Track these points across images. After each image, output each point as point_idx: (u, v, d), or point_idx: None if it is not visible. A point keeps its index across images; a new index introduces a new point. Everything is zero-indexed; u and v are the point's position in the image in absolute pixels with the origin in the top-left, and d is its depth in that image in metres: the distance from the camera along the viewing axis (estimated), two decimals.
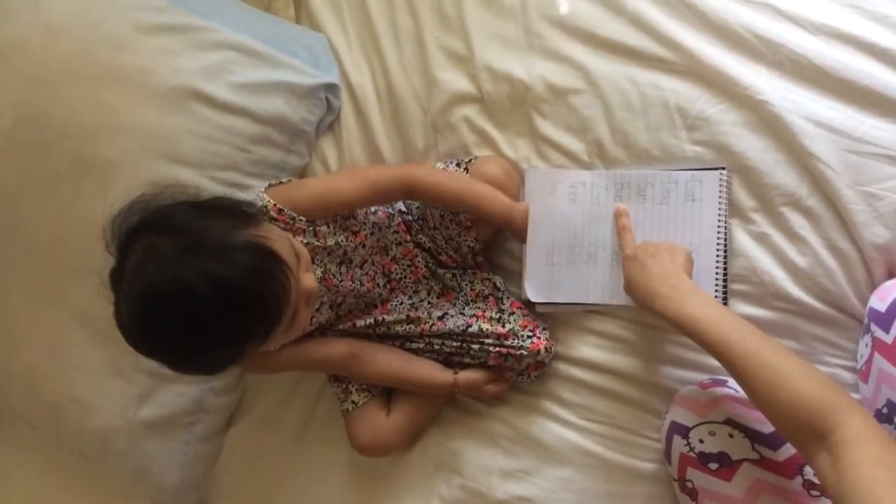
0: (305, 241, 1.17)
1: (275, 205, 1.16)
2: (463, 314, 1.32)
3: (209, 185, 1.27)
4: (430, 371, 1.32)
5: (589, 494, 1.30)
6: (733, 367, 1.01)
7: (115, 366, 1.33)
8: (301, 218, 1.17)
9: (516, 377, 1.33)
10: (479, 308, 1.33)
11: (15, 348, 1.35)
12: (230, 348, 1.00)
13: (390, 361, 1.31)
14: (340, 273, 1.24)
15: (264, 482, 1.44)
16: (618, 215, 1.28)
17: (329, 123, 1.43)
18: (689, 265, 1.19)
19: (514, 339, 1.29)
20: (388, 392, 1.36)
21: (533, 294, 1.32)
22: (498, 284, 1.34)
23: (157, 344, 0.99)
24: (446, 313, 1.32)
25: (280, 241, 1.05)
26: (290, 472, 1.43)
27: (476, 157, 1.34)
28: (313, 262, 1.18)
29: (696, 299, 1.09)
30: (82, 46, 1.27)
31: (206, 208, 1.04)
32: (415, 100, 1.39)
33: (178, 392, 1.36)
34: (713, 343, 1.04)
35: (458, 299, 1.35)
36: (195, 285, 0.93)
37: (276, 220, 1.15)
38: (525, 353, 1.28)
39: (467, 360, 1.31)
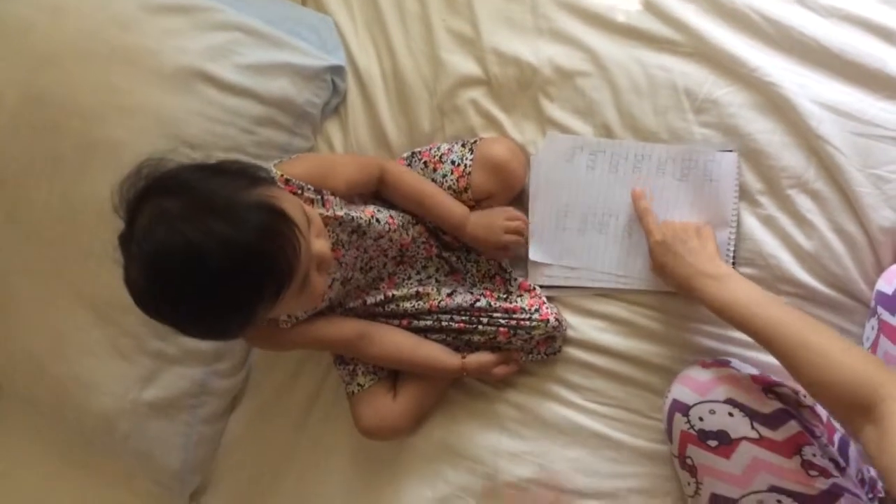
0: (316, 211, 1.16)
1: (282, 175, 1.15)
2: (471, 292, 1.32)
3: None
4: (438, 354, 1.31)
5: (595, 475, 1.30)
6: (776, 350, 1.04)
7: (118, 348, 1.32)
8: (309, 187, 1.16)
9: (525, 356, 1.33)
10: (486, 287, 1.33)
11: (18, 330, 1.34)
12: (240, 309, 0.99)
13: (399, 343, 1.30)
14: (350, 242, 1.23)
15: (267, 465, 1.44)
16: (636, 199, 1.29)
17: (335, 106, 1.43)
18: (716, 245, 1.21)
19: (522, 314, 1.29)
20: (393, 376, 1.36)
21: (536, 255, 1.32)
22: (504, 265, 1.34)
23: (167, 306, 0.98)
24: (455, 290, 1.32)
25: (290, 202, 1.04)
26: (294, 456, 1.43)
27: (482, 138, 1.34)
28: None
29: (734, 283, 1.13)
30: (88, 26, 1.26)
31: (214, 169, 1.04)
32: (421, 82, 1.38)
33: (181, 374, 1.36)
34: (754, 328, 1.07)
35: (466, 280, 1.35)
36: (203, 246, 0.93)
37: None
38: (535, 323, 1.28)
39: (476, 337, 1.31)
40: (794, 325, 1.04)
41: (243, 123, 1.32)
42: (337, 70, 1.40)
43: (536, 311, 1.29)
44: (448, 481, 1.35)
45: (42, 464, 1.50)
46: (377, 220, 1.25)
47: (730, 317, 1.11)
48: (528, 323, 1.28)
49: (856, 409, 0.95)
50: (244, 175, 1.04)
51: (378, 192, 1.31)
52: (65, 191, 1.27)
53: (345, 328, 1.28)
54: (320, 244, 1.07)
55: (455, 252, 1.36)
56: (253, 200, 0.98)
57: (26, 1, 1.26)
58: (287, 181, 1.15)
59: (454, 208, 1.31)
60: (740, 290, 1.12)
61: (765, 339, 1.06)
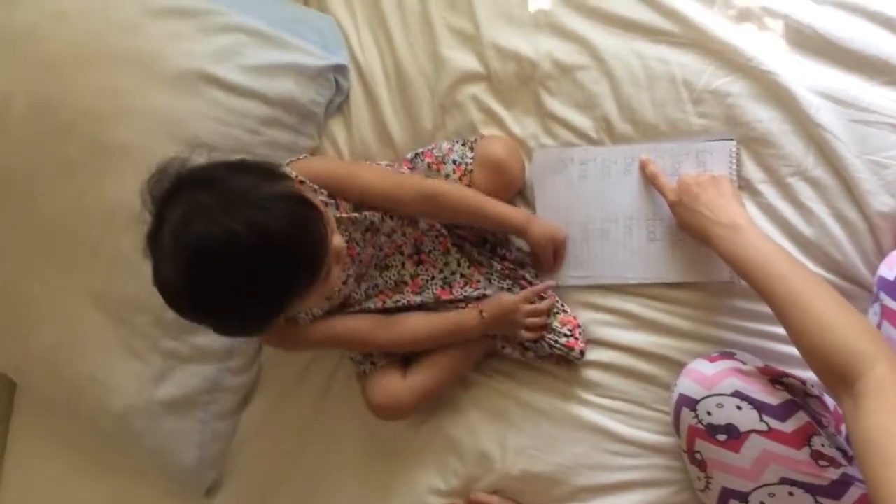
0: None
1: (296, 176, 1.16)
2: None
3: None
4: (457, 314, 1.31)
5: (601, 469, 1.31)
6: (773, 307, 1.04)
7: (131, 347, 1.34)
8: (322, 191, 1.18)
9: (537, 359, 1.33)
10: (508, 284, 1.34)
11: (33, 331, 1.36)
12: (276, 298, 1.01)
13: (419, 319, 1.31)
14: (364, 240, 1.25)
15: (280, 459, 1.46)
16: (643, 166, 1.30)
17: (338, 105, 1.44)
18: (733, 191, 1.22)
19: (551, 335, 1.30)
20: (405, 359, 1.36)
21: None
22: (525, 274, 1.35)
23: (204, 300, 0.99)
24: (483, 294, 1.32)
25: (312, 195, 1.07)
26: (306, 448, 1.45)
27: (482, 136, 1.35)
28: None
29: (746, 235, 1.12)
30: (92, 31, 1.28)
31: (238, 166, 1.06)
32: (422, 79, 1.39)
33: (194, 372, 1.37)
34: (758, 283, 1.07)
35: (492, 274, 1.35)
36: (241, 234, 0.94)
37: None
38: (559, 350, 1.30)
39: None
40: (797, 285, 1.03)
41: (249, 124, 1.33)
42: (340, 69, 1.41)
43: (566, 336, 1.30)
44: (456, 474, 1.36)
45: (58, 460, 1.52)
46: (389, 217, 1.26)
47: (739, 269, 1.10)
48: (551, 342, 1.30)
49: (838, 380, 0.95)
50: (267, 171, 1.06)
51: (415, 213, 1.30)
52: (75, 194, 1.30)
53: (360, 321, 1.29)
54: (337, 238, 1.09)
55: (476, 247, 1.36)
56: (280, 191, 1.01)
57: (30, 7, 1.28)
58: (301, 182, 1.16)
59: (512, 213, 1.32)
60: (751, 244, 1.11)
61: (766, 295, 1.05)
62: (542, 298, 1.31)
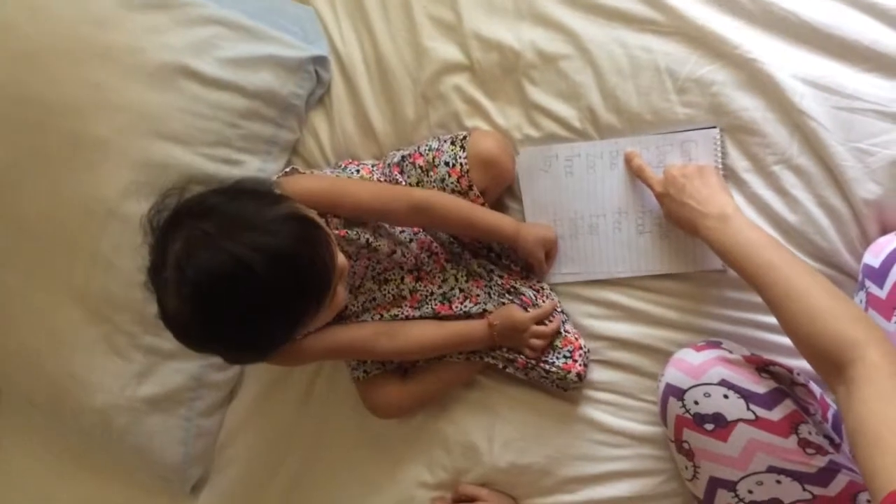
0: None
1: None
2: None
3: (201, 162, 1.28)
4: (465, 325, 1.30)
5: (589, 459, 1.31)
6: (764, 297, 1.05)
7: (113, 345, 1.33)
8: (312, 211, 1.14)
9: (538, 378, 1.32)
10: (508, 300, 1.32)
11: (12, 328, 1.35)
12: (288, 321, 1.00)
13: (421, 328, 1.29)
14: (359, 254, 1.24)
15: (266, 454, 1.45)
16: (629, 160, 1.29)
17: (319, 97, 1.42)
18: (719, 180, 1.22)
19: (549, 354, 1.29)
20: (400, 366, 1.36)
21: None
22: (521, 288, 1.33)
23: (214, 330, 0.97)
24: (484, 309, 1.31)
25: (313, 213, 1.06)
26: (292, 444, 1.44)
27: (470, 133, 1.33)
28: None
29: (735, 225, 1.12)
30: (67, 25, 1.26)
31: (235, 190, 1.04)
32: (404, 70, 1.38)
33: (177, 369, 1.36)
34: (748, 272, 1.07)
35: (491, 288, 1.33)
36: (248, 259, 0.93)
37: None
38: (555, 370, 1.29)
39: (489, 359, 1.32)
40: (786, 273, 1.03)
41: (228, 117, 1.32)
42: (320, 61, 1.39)
43: (566, 358, 1.29)
44: (445, 467, 1.36)
45: (42, 459, 1.51)
46: (380, 235, 1.25)
47: (729, 259, 1.11)
48: (548, 367, 1.29)
49: (831, 367, 0.95)
50: (265, 193, 1.05)
51: (408, 224, 1.29)
52: (52, 189, 1.28)
53: (362, 328, 1.28)
54: (339, 255, 1.07)
55: (477, 258, 1.35)
56: (283, 212, 0.99)
57: (4, 1, 1.26)
58: None
59: (503, 222, 1.31)
60: (740, 234, 1.11)
61: (756, 285, 1.06)
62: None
